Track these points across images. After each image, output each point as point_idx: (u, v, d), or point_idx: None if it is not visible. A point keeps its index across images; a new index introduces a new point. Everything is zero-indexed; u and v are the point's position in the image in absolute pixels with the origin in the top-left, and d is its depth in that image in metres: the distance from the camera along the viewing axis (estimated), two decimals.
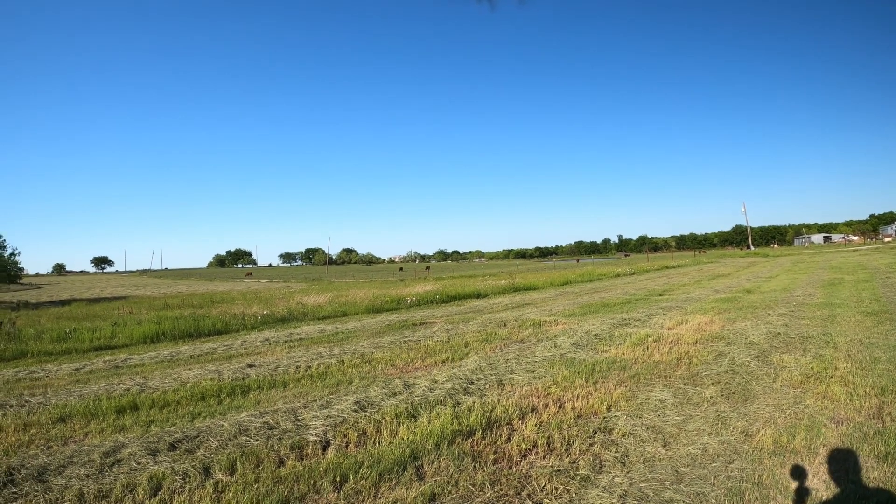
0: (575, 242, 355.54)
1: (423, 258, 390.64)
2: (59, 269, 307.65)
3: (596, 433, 6.94)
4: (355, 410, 8.11)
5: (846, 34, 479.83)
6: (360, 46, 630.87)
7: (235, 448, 6.70)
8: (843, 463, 5.76)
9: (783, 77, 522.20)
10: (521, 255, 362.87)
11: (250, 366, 12.09)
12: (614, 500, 5.11)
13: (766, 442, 6.42)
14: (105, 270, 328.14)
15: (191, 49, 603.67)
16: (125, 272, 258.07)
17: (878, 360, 10.31)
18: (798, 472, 5.60)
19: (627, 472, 5.76)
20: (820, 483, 5.35)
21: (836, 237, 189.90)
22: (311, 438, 6.94)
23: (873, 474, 5.45)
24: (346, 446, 6.71)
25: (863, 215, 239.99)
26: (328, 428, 7.33)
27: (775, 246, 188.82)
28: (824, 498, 5.07)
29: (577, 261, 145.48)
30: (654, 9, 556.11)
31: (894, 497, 4.96)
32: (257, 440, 6.97)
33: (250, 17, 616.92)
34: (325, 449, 6.65)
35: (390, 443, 6.71)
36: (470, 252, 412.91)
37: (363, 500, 5.20)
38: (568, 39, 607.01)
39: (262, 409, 8.48)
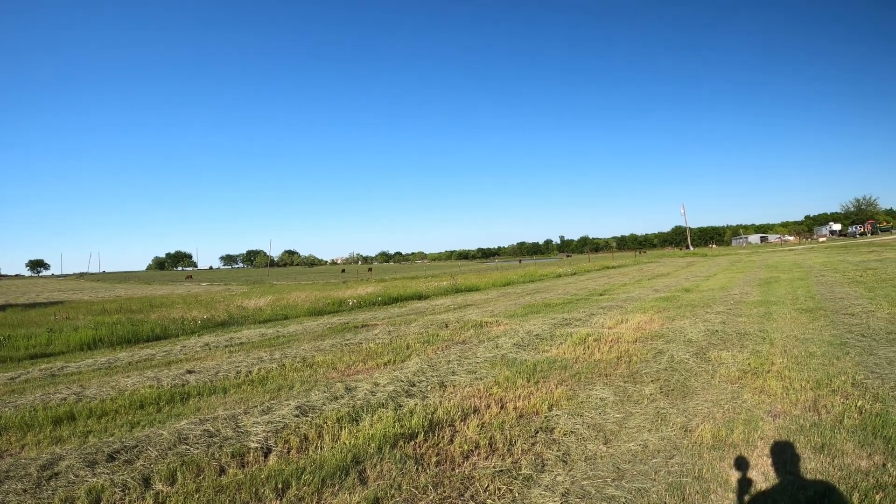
0: (517, 243, 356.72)
1: (366, 260, 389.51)
2: None
3: (538, 433, 7.02)
4: (297, 416, 8.06)
5: (779, 35, 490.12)
6: (295, 48, 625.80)
7: (175, 457, 6.61)
8: (780, 455, 5.93)
9: (719, 80, 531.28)
10: (464, 256, 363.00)
11: (190, 372, 11.92)
12: (556, 499, 5.19)
13: (706, 437, 6.58)
14: (41, 274, 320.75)
15: (126, 44, 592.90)
16: (62, 276, 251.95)
17: (812, 354, 10.62)
18: (737, 465, 5.76)
19: (569, 471, 5.86)
20: (759, 475, 5.50)
21: (772, 237, 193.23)
22: (253, 445, 6.90)
23: (810, 465, 5.64)
24: (288, 452, 6.68)
25: (798, 216, 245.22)
26: (269, 434, 7.29)
27: (714, 246, 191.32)
28: (763, 489, 5.21)
29: (520, 262, 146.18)
30: (581, 11, 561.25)
31: (831, 487, 5.12)
32: (198, 448, 6.89)
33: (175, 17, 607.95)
34: (266, 456, 6.62)
35: (332, 448, 6.70)
36: (413, 253, 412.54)
37: None
38: (501, 39, 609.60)
39: (203, 416, 8.37)
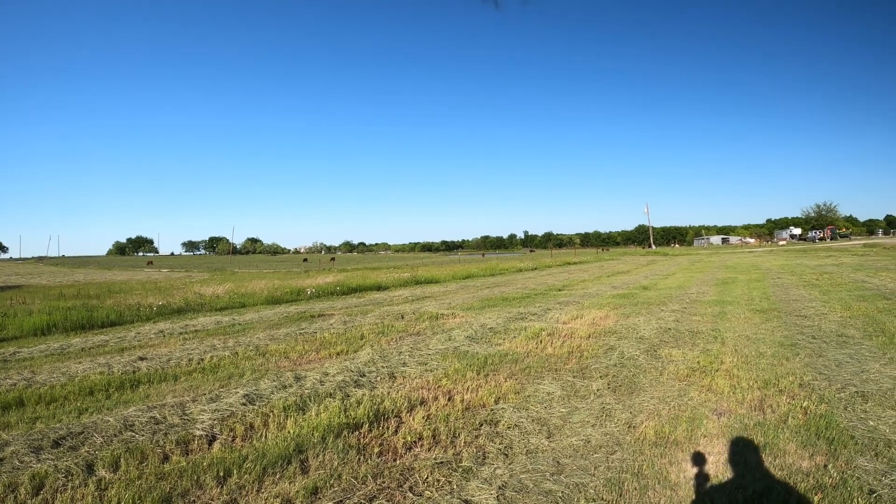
0: (482, 237, 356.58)
1: (329, 249, 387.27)
2: None
3: (482, 425, 7.08)
4: (244, 404, 8.08)
5: (745, 37, 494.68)
6: (258, 31, 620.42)
7: (120, 444, 6.61)
8: (722, 454, 6.00)
9: (688, 82, 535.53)
10: (428, 248, 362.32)
11: (142, 358, 11.85)
12: (493, 492, 5.21)
13: (649, 433, 6.63)
14: None
15: (86, 22, 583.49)
16: (20, 259, 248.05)
17: (762, 354, 10.77)
18: (678, 463, 5.79)
19: (510, 464, 5.89)
20: (699, 473, 5.55)
21: (733, 239, 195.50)
22: (198, 433, 6.89)
23: (752, 464, 5.70)
24: (233, 440, 6.69)
25: (760, 220, 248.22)
26: (215, 422, 7.29)
27: (676, 246, 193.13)
28: (703, 487, 5.26)
29: (483, 255, 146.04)
30: (547, 7, 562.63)
31: (771, 486, 5.16)
32: (143, 436, 6.89)
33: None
34: (210, 443, 6.62)
35: (277, 436, 6.71)
36: (376, 244, 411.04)
37: (246, 495, 5.20)
38: (468, 32, 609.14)
39: (151, 403, 8.35)
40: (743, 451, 6.03)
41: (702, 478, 5.46)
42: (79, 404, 8.51)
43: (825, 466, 5.59)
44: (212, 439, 6.76)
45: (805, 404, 7.54)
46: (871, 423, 6.91)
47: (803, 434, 6.48)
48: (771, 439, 6.33)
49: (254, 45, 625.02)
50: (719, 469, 5.64)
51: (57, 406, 8.48)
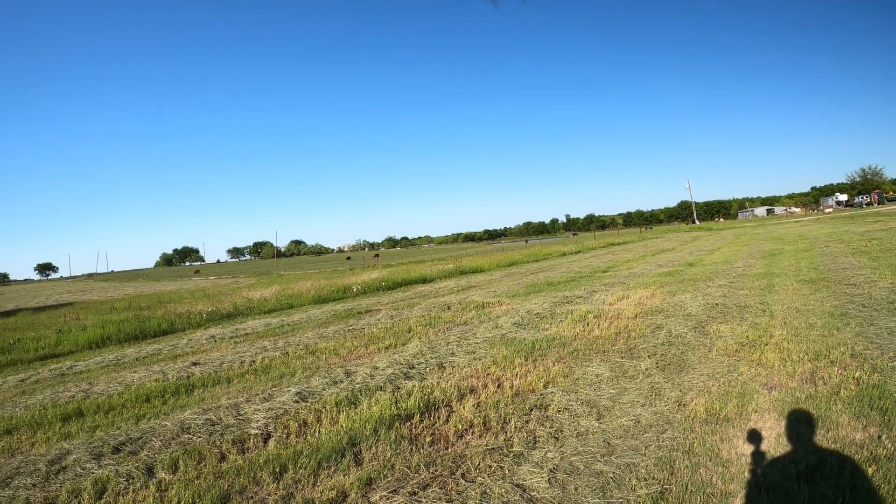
0: (523, 224, 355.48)
1: (372, 246, 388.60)
2: (2, 278, 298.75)
3: (532, 410, 7.09)
4: (296, 401, 8.19)
5: (787, 11, 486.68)
6: (296, 40, 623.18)
7: (178, 446, 6.75)
8: (774, 428, 5.93)
9: (725, 55, 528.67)
10: (470, 238, 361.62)
11: (195, 364, 12.04)
12: (545, 475, 5.23)
13: (699, 411, 6.58)
14: (50, 277, 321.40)
15: (128, 41, 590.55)
16: (70, 278, 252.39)
17: (812, 326, 10.59)
18: (729, 439, 5.73)
19: (560, 447, 5.90)
20: (751, 449, 5.50)
21: (778, 209, 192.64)
22: (253, 432, 7.01)
23: (804, 438, 5.60)
24: (287, 437, 6.79)
25: (804, 188, 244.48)
26: (269, 420, 7.41)
27: (720, 220, 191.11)
28: (756, 462, 5.21)
29: (526, 242, 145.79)
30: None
31: (825, 459, 5.08)
32: (200, 437, 7.02)
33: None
34: (265, 441, 6.73)
35: (330, 431, 6.80)
36: (419, 238, 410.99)
37: (302, 489, 5.28)
38: (513, 23, 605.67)
39: (206, 406, 8.49)
40: (795, 425, 5.95)
41: (754, 453, 5.41)
42: (136, 411, 8.66)
43: (879, 437, 5.49)
44: (267, 437, 6.87)
45: (857, 374, 7.40)
46: None
47: (856, 405, 6.37)
48: (823, 412, 6.24)
49: (282, 49, 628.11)
50: (771, 444, 5.58)
51: (115, 414, 8.63)
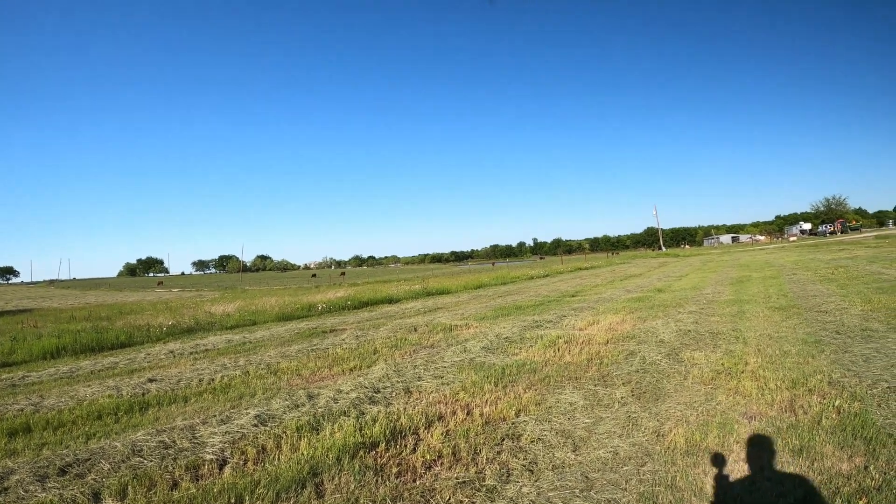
0: (490, 246, 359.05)
1: (339, 264, 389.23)
2: None
3: (504, 440, 6.84)
4: (255, 425, 7.85)
5: (750, 35, 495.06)
6: (265, 49, 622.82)
7: (128, 470, 6.39)
8: (758, 460, 5.79)
9: (691, 82, 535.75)
10: (438, 259, 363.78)
11: (151, 380, 11.65)
12: None
13: (679, 442, 6.42)
14: (10, 281, 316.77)
15: (93, 42, 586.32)
16: (31, 283, 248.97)
17: (787, 353, 10.59)
18: (713, 472, 5.58)
19: (536, 481, 5.66)
20: (736, 482, 5.34)
21: (743, 237, 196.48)
22: (208, 457, 6.66)
23: (789, 469, 5.50)
24: (245, 464, 6.45)
25: (769, 216, 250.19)
26: (226, 445, 7.07)
27: (686, 246, 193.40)
28: (740, 497, 5.05)
29: (493, 264, 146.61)
30: (555, 11, 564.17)
31: (812, 491, 5.01)
32: (151, 461, 6.66)
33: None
34: (221, 468, 6.38)
35: (290, 459, 6.46)
36: (386, 257, 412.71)
37: None
38: (472, 37, 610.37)
39: (160, 426, 8.12)
40: (779, 457, 5.82)
41: (739, 486, 5.25)
42: (87, 429, 8.30)
43: (866, 468, 5.41)
44: (223, 463, 6.53)
45: (837, 403, 7.37)
46: None
47: (839, 434, 6.29)
48: (807, 442, 6.12)
49: (252, 59, 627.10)
50: (756, 476, 5.42)
51: (64, 431, 8.26)
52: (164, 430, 7.83)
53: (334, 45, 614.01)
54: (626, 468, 5.85)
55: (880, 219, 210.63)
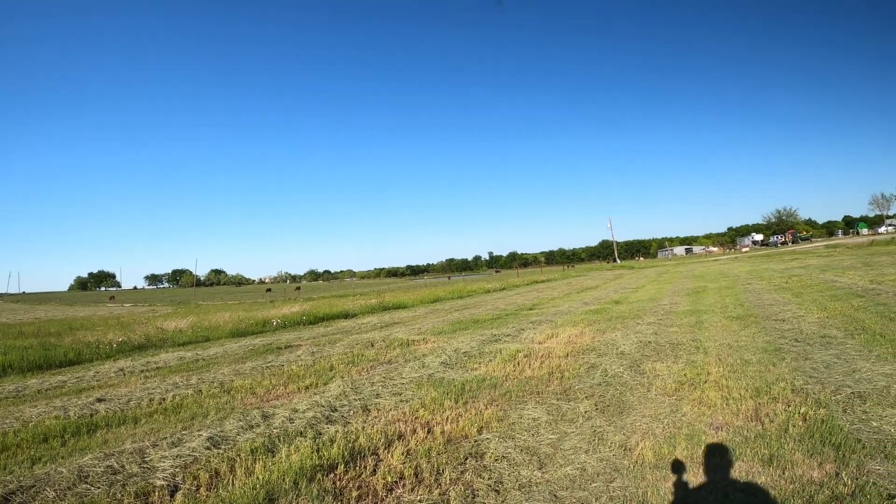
0: (446, 260, 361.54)
1: (294, 278, 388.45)
2: None
3: (467, 459, 6.68)
4: (208, 448, 7.55)
5: (699, 49, 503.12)
6: (221, 62, 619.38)
7: (74, 498, 6.11)
8: (728, 471, 5.74)
9: (642, 96, 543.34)
10: (393, 273, 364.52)
11: (100, 400, 11.27)
12: None
13: (647, 455, 6.34)
14: None
15: (48, 50, 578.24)
16: None
17: (748, 362, 10.66)
18: (683, 485, 5.51)
19: (502, 502, 5.51)
20: (707, 494, 5.27)
21: (697, 249, 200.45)
22: (158, 483, 6.38)
23: (761, 479, 5.46)
24: (197, 490, 6.18)
25: (721, 228, 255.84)
26: (178, 469, 6.78)
27: (641, 259, 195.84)
28: None
29: (449, 278, 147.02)
30: (512, 26, 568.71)
31: (786, 501, 4.99)
32: (99, 488, 6.35)
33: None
34: (172, 495, 6.10)
35: (244, 483, 6.21)
36: (341, 272, 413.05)
37: None
38: (426, 53, 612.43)
39: (108, 450, 7.79)
40: (749, 466, 5.80)
41: (712, 499, 5.17)
42: (32, 453, 7.96)
43: (837, 474, 5.45)
44: (174, 490, 6.25)
45: (803, 410, 7.45)
46: (875, 423, 6.90)
47: (807, 442, 6.35)
48: (776, 451, 6.13)
49: (212, 76, 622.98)
50: (728, 487, 5.37)
51: (8, 456, 7.91)
52: (113, 454, 7.51)
53: (287, 54, 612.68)
54: (594, 485, 5.73)
55: (829, 228, 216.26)
